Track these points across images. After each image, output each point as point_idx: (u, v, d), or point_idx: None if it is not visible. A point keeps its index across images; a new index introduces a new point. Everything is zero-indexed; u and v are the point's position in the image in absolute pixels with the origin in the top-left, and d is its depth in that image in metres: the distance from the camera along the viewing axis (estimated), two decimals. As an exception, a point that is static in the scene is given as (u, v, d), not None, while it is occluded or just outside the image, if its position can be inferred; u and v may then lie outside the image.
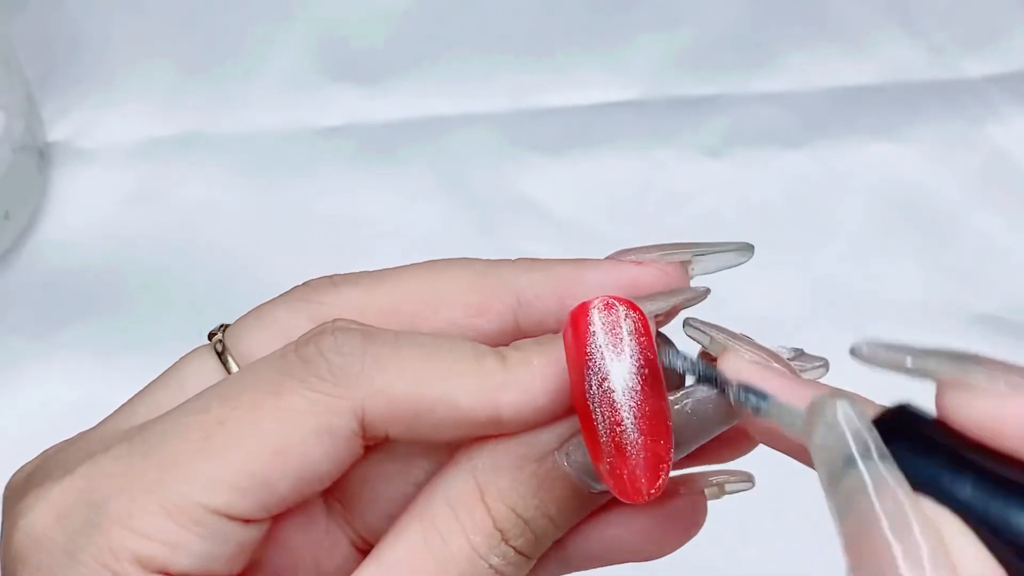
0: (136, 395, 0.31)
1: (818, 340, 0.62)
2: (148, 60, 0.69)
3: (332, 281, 0.32)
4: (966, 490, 0.22)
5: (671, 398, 0.28)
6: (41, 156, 0.66)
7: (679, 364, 0.29)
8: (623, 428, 0.27)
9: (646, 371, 0.27)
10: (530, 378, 0.28)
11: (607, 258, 0.32)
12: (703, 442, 0.30)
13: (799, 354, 0.31)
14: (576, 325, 0.27)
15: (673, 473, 0.29)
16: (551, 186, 0.67)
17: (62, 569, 0.27)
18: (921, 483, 0.22)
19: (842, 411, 0.23)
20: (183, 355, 0.32)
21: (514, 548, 0.29)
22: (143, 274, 0.64)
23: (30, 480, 0.29)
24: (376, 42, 0.70)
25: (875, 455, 0.23)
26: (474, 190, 0.67)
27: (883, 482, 0.22)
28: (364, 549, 0.32)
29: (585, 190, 0.67)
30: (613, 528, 0.31)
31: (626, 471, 0.27)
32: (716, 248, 0.32)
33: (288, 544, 0.31)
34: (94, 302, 0.63)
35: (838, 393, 0.25)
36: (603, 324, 0.27)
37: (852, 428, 0.23)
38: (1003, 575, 0.22)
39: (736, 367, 0.28)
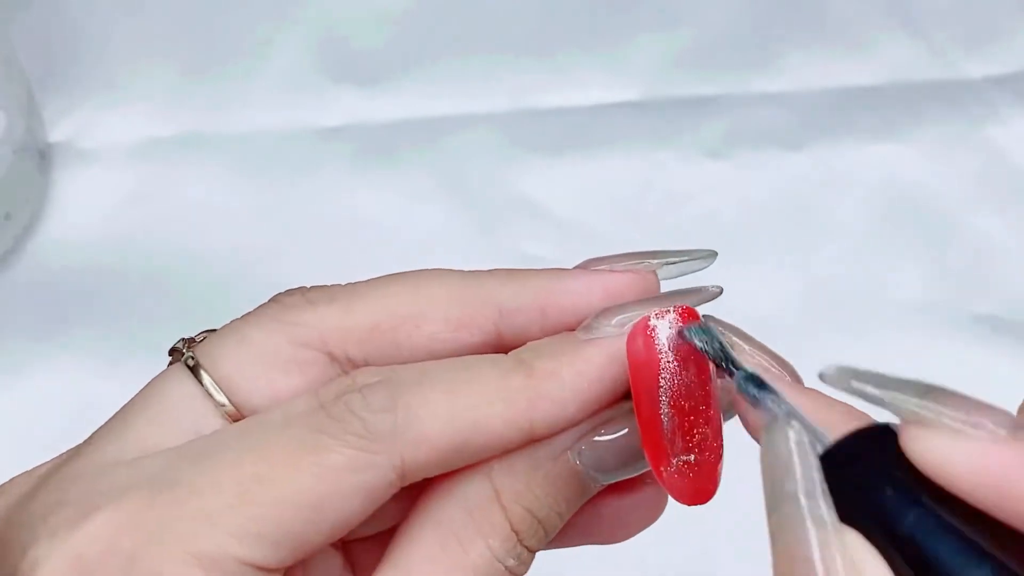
0: (118, 418, 0.31)
1: (818, 340, 0.63)
2: (148, 60, 0.69)
3: (307, 298, 0.31)
4: (899, 528, 0.23)
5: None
6: (42, 157, 0.66)
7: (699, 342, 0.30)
8: (694, 433, 0.29)
9: (707, 380, 0.29)
10: (559, 391, 0.29)
11: (577, 266, 0.32)
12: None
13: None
14: (639, 341, 0.29)
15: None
16: (551, 186, 0.67)
17: None
18: (853, 517, 0.23)
19: (788, 438, 0.24)
20: (157, 375, 0.31)
21: (527, 548, 0.29)
22: (143, 274, 0.64)
23: (33, 514, 0.28)
24: (376, 42, 0.70)
25: (804, 490, 0.23)
26: (474, 190, 0.67)
27: (809, 519, 0.23)
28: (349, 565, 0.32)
29: (585, 190, 0.67)
30: (579, 514, 0.32)
31: (683, 483, 0.29)
32: (683, 256, 0.32)
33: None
34: (94, 302, 0.63)
35: (792, 416, 0.25)
36: (668, 334, 0.29)
37: (793, 458, 0.24)
38: None
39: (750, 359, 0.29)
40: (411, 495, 0.30)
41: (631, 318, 0.30)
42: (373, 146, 0.68)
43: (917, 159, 0.68)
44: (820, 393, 0.28)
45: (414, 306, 0.31)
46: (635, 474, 0.30)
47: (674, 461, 0.28)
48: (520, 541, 0.29)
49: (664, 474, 0.28)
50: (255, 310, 0.31)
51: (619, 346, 0.29)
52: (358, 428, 0.28)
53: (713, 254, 0.32)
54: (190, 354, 0.31)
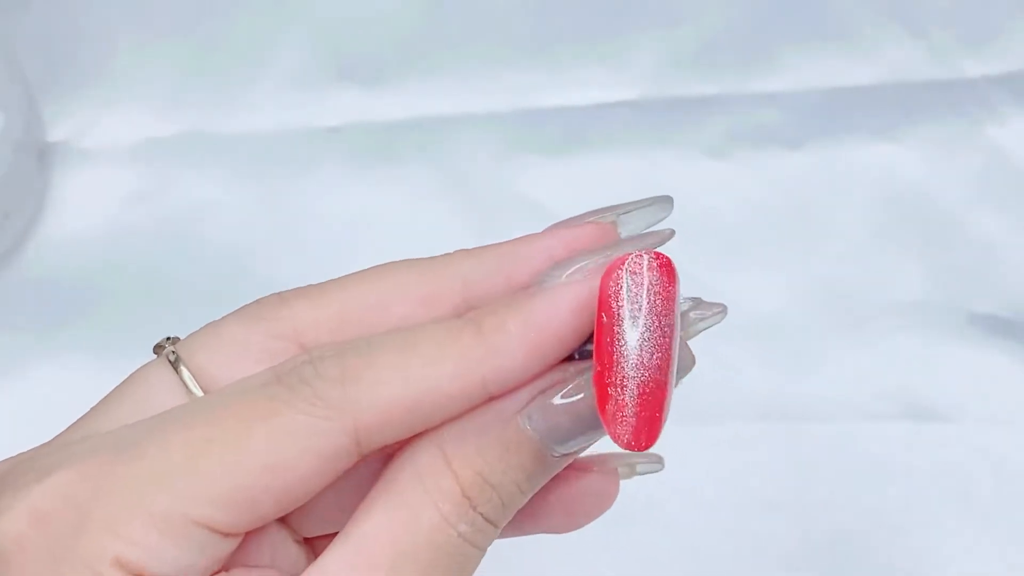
0: (94, 408, 0.32)
1: (818, 340, 0.63)
2: (148, 60, 0.69)
3: (281, 297, 0.32)
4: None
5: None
6: (41, 156, 0.66)
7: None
8: (638, 380, 0.28)
9: (666, 325, 0.28)
10: (507, 343, 0.29)
11: (546, 231, 0.32)
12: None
13: (697, 303, 0.32)
14: (608, 276, 0.28)
15: (585, 453, 0.31)
16: (551, 186, 0.67)
17: (45, 571, 0.27)
18: None
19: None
20: (135, 370, 0.32)
21: (482, 515, 0.29)
22: (143, 274, 0.64)
23: (3, 480, 0.29)
24: (376, 42, 0.70)
25: None
26: (474, 190, 0.67)
27: None
28: (299, 542, 0.32)
29: (585, 190, 0.67)
30: (533, 504, 0.32)
31: (634, 422, 0.28)
32: (637, 205, 0.32)
33: (244, 542, 0.31)
34: (94, 302, 0.63)
35: None
36: (634, 272, 0.29)
37: None
38: None
39: None
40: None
41: (584, 267, 0.30)
42: (373, 146, 0.68)
43: (917, 159, 0.68)
44: None
45: (382, 292, 0.31)
46: (590, 443, 0.30)
47: (624, 398, 0.28)
48: (473, 507, 0.29)
49: (607, 412, 0.28)
50: (236, 310, 0.32)
51: (568, 293, 0.29)
52: (309, 395, 0.28)
53: (668, 200, 0.33)
54: (171, 348, 0.32)
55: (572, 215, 0.32)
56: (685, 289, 0.34)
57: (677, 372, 0.29)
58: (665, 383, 0.28)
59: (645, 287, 0.28)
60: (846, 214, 0.67)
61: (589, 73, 0.69)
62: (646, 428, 0.28)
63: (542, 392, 0.29)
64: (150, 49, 0.69)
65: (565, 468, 0.32)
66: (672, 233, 0.32)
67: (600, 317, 0.28)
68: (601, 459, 0.34)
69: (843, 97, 0.69)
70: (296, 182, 0.67)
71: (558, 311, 0.29)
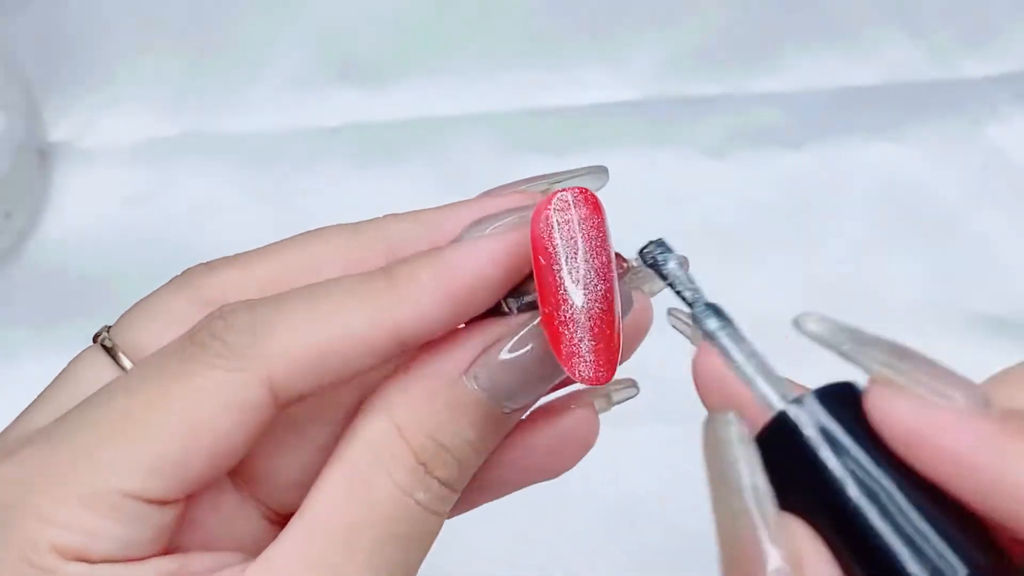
0: (32, 403, 0.32)
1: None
2: (148, 60, 0.69)
3: (209, 265, 0.32)
4: (846, 503, 0.22)
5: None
6: (42, 156, 0.66)
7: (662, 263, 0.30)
8: (584, 314, 0.28)
9: (603, 258, 0.29)
10: (419, 291, 0.29)
11: (470, 200, 0.33)
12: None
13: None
14: (539, 216, 0.28)
15: (559, 393, 0.32)
16: (551, 186, 0.67)
17: None
18: (792, 498, 0.22)
19: (729, 431, 0.24)
20: (72, 358, 0.32)
21: (438, 479, 0.29)
22: (143, 274, 0.63)
23: None
24: (377, 42, 0.70)
25: (747, 480, 0.23)
26: (474, 190, 0.67)
27: (752, 507, 0.23)
28: (277, 522, 0.32)
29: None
30: (512, 451, 0.32)
31: (586, 354, 0.28)
32: (570, 175, 0.33)
33: (201, 523, 0.31)
34: (95, 302, 0.63)
35: (726, 410, 0.25)
36: (563, 211, 0.29)
37: (734, 452, 0.24)
38: None
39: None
40: None
41: (506, 222, 0.30)
42: (373, 146, 0.68)
43: (917, 159, 0.68)
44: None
45: (310, 257, 0.32)
46: (539, 395, 0.30)
47: (577, 335, 0.28)
48: (429, 472, 0.29)
49: (563, 352, 0.28)
50: (164, 284, 0.33)
51: (484, 244, 0.29)
52: (220, 349, 0.28)
53: (603, 169, 0.33)
54: (106, 334, 0.32)
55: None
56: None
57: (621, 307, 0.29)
58: (612, 312, 0.28)
59: (576, 222, 0.28)
60: (846, 214, 0.67)
61: (589, 73, 0.69)
62: (604, 360, 0.28)
63: (485, 350, 0.29)
64: (150, 49, 0.69)
65: (544, 410, 0.32)
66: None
67: (538, 260, 0.28)
68: (578, 396, 0.34)
69: (843, 97, 0.69)
70: (296, 182, 0.67)
71: (471, 261, 0.29)
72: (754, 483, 0.23)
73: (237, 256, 0.32)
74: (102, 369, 0.31)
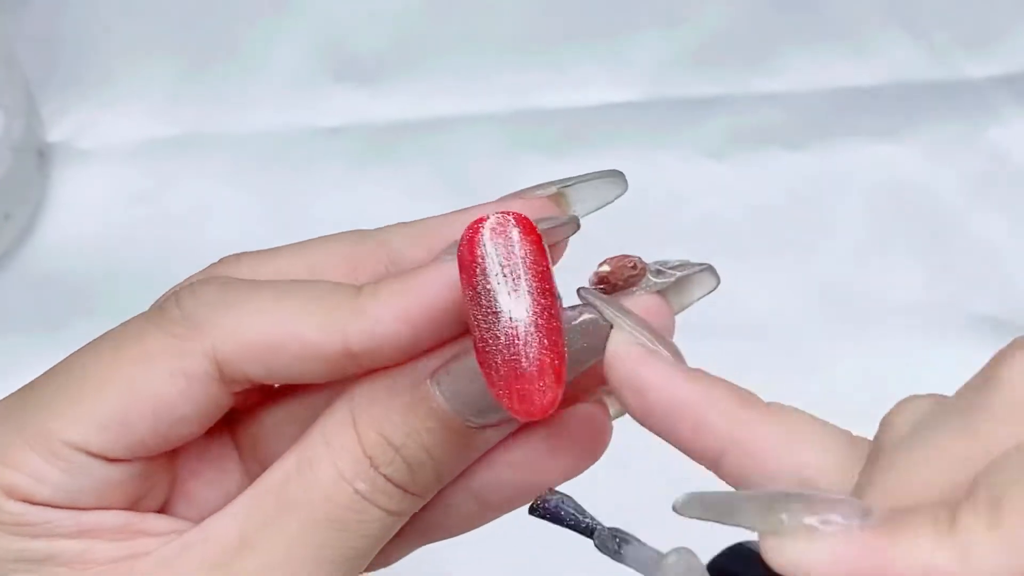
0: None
1: (818, 340, 0.63)
2: (148, 60, 0.69)
3: (223, 262, 0.32)
4: None
5: (565, 313, 0.28)
6: (41, 156, 0.66)
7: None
8: (517, 343, 0.26)
9: (538, 282, 0.27)
10: (376, 307, 0.28)
11: (476, 206, 0.32)
12: (591, 362, 0.29)
13: (683, 263, 0.31)
14: (465, 238, 0.27)
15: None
16: (551, 186, 0.67)
17: None
18: None
19: (676, 566, 0.24)
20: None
21: (384, 476, 0.29)
22: (143, 274, 0.64)
23: None
24: (376, 42, 0.70)
25: None
26: (474, 190, 0.67)
27: None
28: None
29: (585, 190, 0.67)
30: (517, 451, 0.31)
31: (518, 387, 0.26)
32: (583, 179, 0.32)
33: (200, 498, 0.31)
34: (94, 302, 0.63)
35: (680, 549, 0.26)
36: (493, 234, 0.27)
37: None
38: None
39: (621, 351, 0.28)
40: None
41: None
42: (373, 146, 0.68)
43: (917, 159, 0.68)
44: (697, 373, 0.27)
45: (311, 262, 0.32)
46: (504, 416, 0.29)
47: (498, 376, 0.26)
48: (375, 466, 0.29)
49: (494, 387, 0.27)
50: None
51: (447, 270, 0.28)
52: (176, 315, 0.29)
53: (620, 175, 0.32)
54: None
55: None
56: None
57: (589, 349, 0.28)
58: (544, 352, 0.27)
59: (490, 247, 0.27)
60: (846, 214, 0.66)
61: (589, 73, 0.69)
62: (535, 400, 0.26)
63: (455, 357, 0.29)
64: (150, 49, 0.69)
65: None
66: (576, 220, 0.31)
67: (464, 290, 0.27)
68: (586, 388, 0.32)
69: (844, 98, 0.69)
70: (296, 182, 0.67)
71: (432, 285, 0.28)
72: None
73: (246, 254, 0.32)
74: None
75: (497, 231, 0.27)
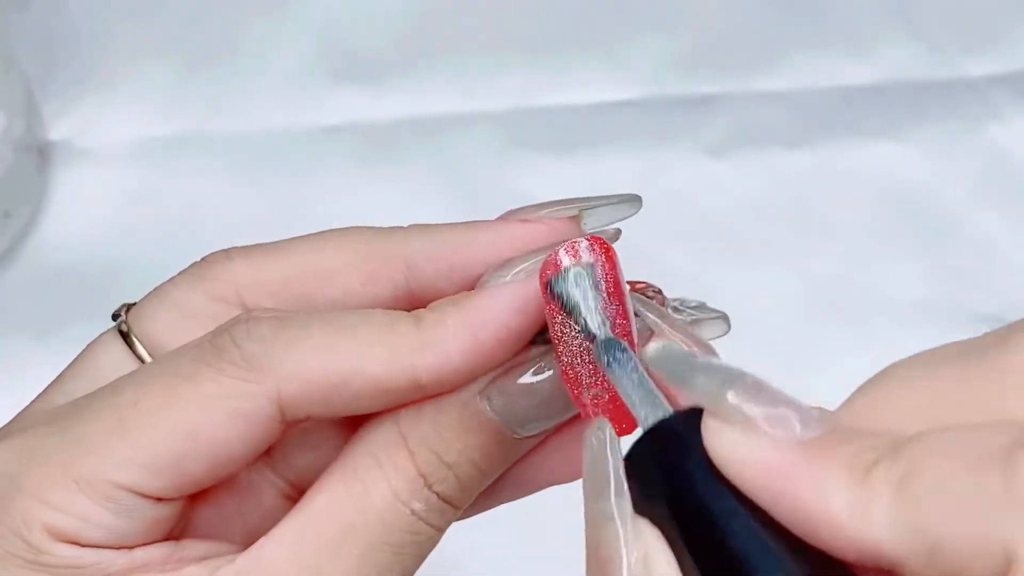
0: (50, 384, 0.32)
1: (818, 340, 0.63)
2: (148, 60, 0.69)
3: (227, 255, 0.32)
4: (679, 516, 0.23)
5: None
6: (41, 156, 0.66)
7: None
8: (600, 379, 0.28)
9: (618, 305, 0.28)
10: (444, 337, 0.28)
11: (496, 219, 0.32)
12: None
13: (701, 305, 0.32)
14: (550, 267, 0.28)
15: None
16: (551, 186, 0.67)
17: None
18: (647, 504, 0.23)
19: (598, 439, 0.24)
20: (91, 341, 0.33)
21: (437, 494, 0.29)
22: (143, 274, 0.63)
23: None
24: (377, 42, 0.70)
25: (612, 484, 0.23)
26: (474, 190, 0.67)
27: (610, 514, 0.23)
28: (295, 497, 0.32)
29: (585, 190, 0.66)
30: (553, 454, 0.32)
31: (611, 407, 0.28)
32: (603, 201, 0.32)
33: (213, 499, 0.31)
34: (94, 302, 0.63)
35: (641, 385, 0.26)
36: (577, 261, 0.28)
37: (599, 459, 0.24)
38: None
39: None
40: None
41: (529, 267, 0.29)
42: (373, 145, 0.68)
43: (918, 159, 0.68)
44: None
45: (326, 261, 0.31)
46: (553, 424, 0.30)
47: (588, 394, 0.28)
48: (428, 485, 0.29)
49: (584, 405, 0.28)
50: (183, 270, 0.33)
51: (514, 293, 0.29)
52: (235, 356, 0.28)
53: (637, 198, 0.32)
54: (123, 319, 0.32)
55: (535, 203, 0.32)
56: (688, 290, 0.33)
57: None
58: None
59: (585, 277, 0.28)
60: (846, 214, 0.66)
61: (589, 73, 0.69)
62: (621, 422, 0.28)
63: (503, 374, 0.29)
64: (150, 49, 0.69)
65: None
66: (618, 232, 0.32)
67: (548, 312, 0.28)
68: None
69: (844, 97, 0.69)
70: (297, 182, 0.67)
71: (498, 310, 0.29)
72: (618, 488, 0.23)
73: (254, 247, 0.32)
74: (118, 355, 0.31)
75: (581, 258, 0.28)
